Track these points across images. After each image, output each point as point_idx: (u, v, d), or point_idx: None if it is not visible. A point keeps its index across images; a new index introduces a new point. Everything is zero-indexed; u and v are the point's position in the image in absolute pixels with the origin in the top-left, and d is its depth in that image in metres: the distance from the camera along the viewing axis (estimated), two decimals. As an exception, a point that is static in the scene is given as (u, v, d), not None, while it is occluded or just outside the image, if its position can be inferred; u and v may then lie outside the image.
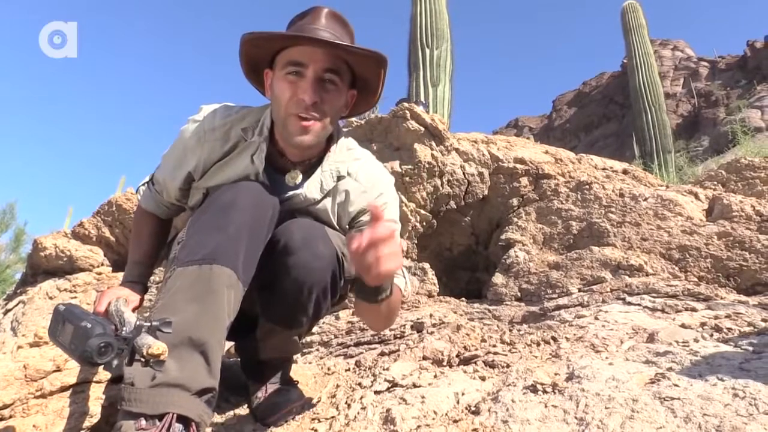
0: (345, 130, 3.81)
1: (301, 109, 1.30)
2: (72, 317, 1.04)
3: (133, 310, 1.38)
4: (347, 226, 1.50)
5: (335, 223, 1.47)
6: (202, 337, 1.12)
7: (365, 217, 1.48)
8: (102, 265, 3.98)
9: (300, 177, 1.42)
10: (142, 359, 0.95)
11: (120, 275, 3.59)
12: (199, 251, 1.20)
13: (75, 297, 3.71)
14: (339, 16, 1.40)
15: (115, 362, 0.97)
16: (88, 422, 1.34)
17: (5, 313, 3.89)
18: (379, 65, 1.39)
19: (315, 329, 2.56)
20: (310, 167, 1.44)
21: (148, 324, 1.01)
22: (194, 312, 1.13)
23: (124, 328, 1.01)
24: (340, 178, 1.44)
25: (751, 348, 1.52)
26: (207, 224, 1.26)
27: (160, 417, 1.04)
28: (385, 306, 1.31)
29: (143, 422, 1.03)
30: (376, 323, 1.51)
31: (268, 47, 1.37)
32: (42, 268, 4.03)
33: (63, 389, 1.38)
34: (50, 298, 3.78)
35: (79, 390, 1.40)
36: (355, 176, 1.47)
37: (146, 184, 1.61)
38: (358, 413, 1.46)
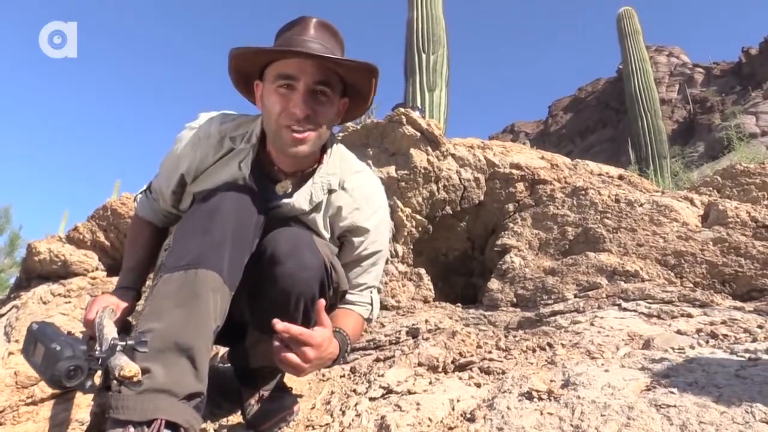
0: (341, 134, 3.80)
1: (293, 122, 1.30)
2: (43, 338, 1.03)
3: (125, 316, 1.38)
4: (337, 238, 1.51)
5: (328, 236, 1.47)
6: (188, 342, 1.11)
7: (353, 237, 1.50)
8: (96, 269, 3.96)
9: (290, 188, 1.42)
10: (116, 380, 0.95)
11: (114, 280, 3.57)
12: (184, 257, 1.20)
13: (69, 302, 3.68)
14: (328, 26, 1.39)
15: (88, 383, 0.97)
16: (79, 430, 1.33)
17: (-1, 318, 3.86)
18: (370, 75, 1.39)
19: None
20: (302, 178, 1.43)
21: (123, 343, 1.00)
22: (180, 317, 1.13)
23: (97, 348, 1.00)
24: (331, 191, 1.44)
25: (747, 355, 1.52)
26: (192, 230, 1.26)
27: (149, 423, 1.03)
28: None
29: (131, 430, 1.02)
30: None
31: (256, 61, 1.37)
32: (36, 272, 4.00)
33: (54, 396, 1.37)
34: (44, 302, 3.75)
35: (70, 397, 1.39)
36: (350, 191, 1.47)
37: (143, 193, 1.61)
38: (352, 420, 1.46)
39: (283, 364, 1.20)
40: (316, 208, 1.44)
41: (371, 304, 1.56)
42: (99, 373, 1.01)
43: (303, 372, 1.21)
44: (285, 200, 1.41)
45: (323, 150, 1.45)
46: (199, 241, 1.22)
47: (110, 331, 1.10)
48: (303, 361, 1.18)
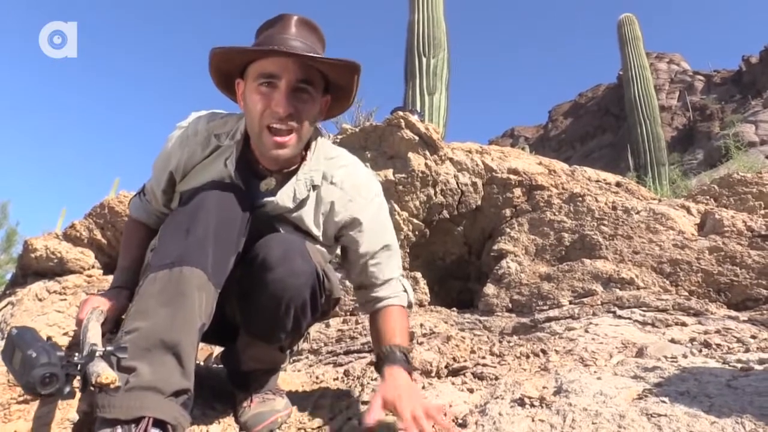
0: (339, 137, 3.81)
1: (275, 120, 1.30)
2: (21, 343, 1.03)
3: (118, 315, 1.38)
4: (334, 238, 1.51)
5: (320, 234, 1.47)
6: (174, 339, 1.12)
7: (352, 233, 1.48)
8: (93, 267, 3.95)
9: (274, 183, 1.42)
10: (92, 387, 0.95)
11: (111, 278, 3.56)
12: (168, 255, 1.21)
13: (65, 299, 3.67)
14: (309, 23, 1.39)
15: (66, 389, 0.97)
16: (70, 428, 1.32)
17: (-6, 314, 3.85)
18: (352, 72, 1.40)
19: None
20: (287, 175, 1.43)
21: (103, 349, 1.01)
22: (165, 315, 1.14)
23: (76, 354, 1.01)
24: (315, 187, 1.44)
25: (739, 365, 1.52)
26: (175, 229, 1.27)
27: (137, 422, 1.03)
28: None
29: (119, 429, 1.02)
30: None
31: (238, 60, 1.37)
32: (32, 269, 4.00)
33: (43, 399, 1.37)
34: (40, 299, 3.74)
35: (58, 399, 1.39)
36: (339, 185, 1.46)
37: (137, 195, 1.63)
38: (344, 424, 1.46)
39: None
40: (300, 205, 1.43)
41: (405, 291, 1.56)
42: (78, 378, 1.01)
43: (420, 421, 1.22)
44: (269, 198, 1.41)
45: (306, 147, 1.45)
46: (182, 239, 1.23)
47: (92, 336, 1.10)
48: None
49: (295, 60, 1.30)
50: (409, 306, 1.58)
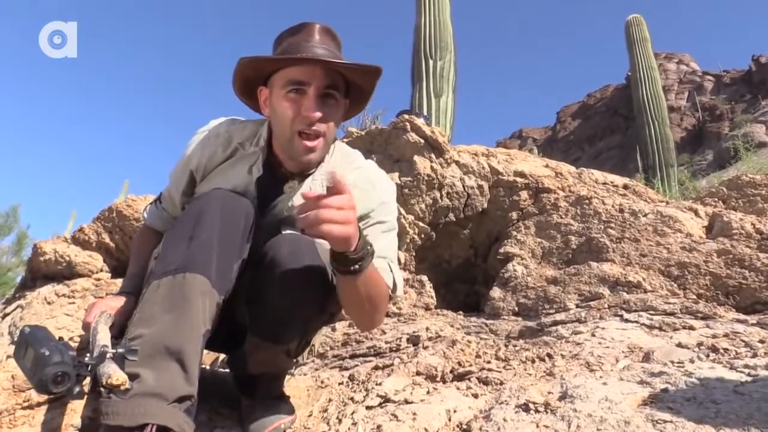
0: (346, 140, 3.81)
1: (306, 125, 1.33)
2: (34, 342, 1.03)
3: (126, 320, 1.38)
4: None
5: None
6: (178, 345, 1.12)
7: (363, 225, 1.38)
8: (101, 271, 3.98)
9: (298, 187, 1.45)
10: (103, 388, 0.96)
11: (119, 282, 3.58)
12: (172, 262, 1.22)
13: (73, 302, 3.70)
14: (329, 30, 1.43)
15: (76, 389, 0.97)
16: (75, 434, 1.33)
17: (3, 318, 3.89)
18: (374, 77, 1.45)
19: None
20: (306, 177, 1.46)
21: (113, 351, 1.01)
22: (169, 321, 1.14)
23: (87, 355, 1.01)
24: (329, 188, 1.43)
25: (746, 370, 1.51)
26: (179, 236, 1.28)
27: (141, 429, 1.03)
28: (363, 286, 1.22)
29: None
30: (359, 313, 1.38)
31: (264, 67, 1.39)
32: (41, 272, 4.03)
33: (51, 400, 1.37)
34: (48, 303, 3.77)
35: (65, 401, 1.39)
36: (353, 184, 1.45)
37: (153, 203, 1.64)
38: (348, 429, 1.46)
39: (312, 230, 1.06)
40: None
41: (392, 272, 1.40)
42: (88, 379, 1.01)
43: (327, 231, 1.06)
44: (285, 197, 1.43)
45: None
46: (185, 246, 1.23)
47: (103, 338, 1.10)
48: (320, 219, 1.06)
49: (323, 67, 1.34)
50: (392, 294, 1.41)
